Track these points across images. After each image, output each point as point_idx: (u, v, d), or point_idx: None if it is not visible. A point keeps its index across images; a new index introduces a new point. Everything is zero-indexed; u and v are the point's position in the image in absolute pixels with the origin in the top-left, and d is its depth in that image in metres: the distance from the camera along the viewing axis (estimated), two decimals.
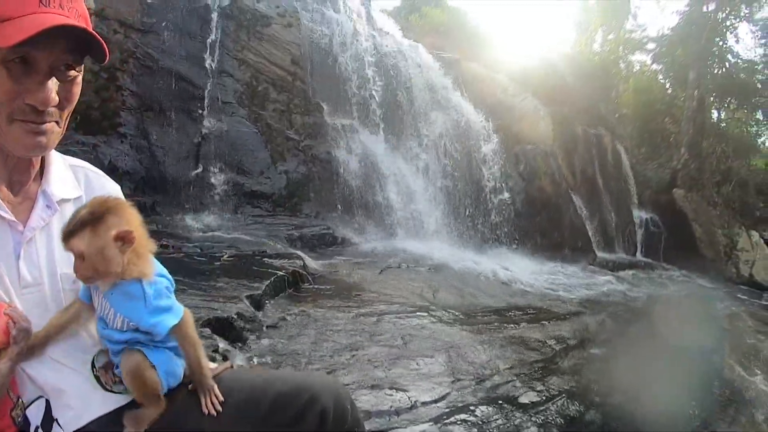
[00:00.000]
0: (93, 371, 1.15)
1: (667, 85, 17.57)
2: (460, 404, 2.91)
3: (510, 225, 9.38)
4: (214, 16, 7.70)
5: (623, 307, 6.26)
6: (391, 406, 2.75)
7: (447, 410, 2.82)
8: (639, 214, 13.53)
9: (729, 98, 16.56)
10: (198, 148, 7.07)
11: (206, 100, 7.29)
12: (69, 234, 1.05)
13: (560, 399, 3.22)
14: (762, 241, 13.24)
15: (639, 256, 12.81)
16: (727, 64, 16.21)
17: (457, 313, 4.65)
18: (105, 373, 1.14)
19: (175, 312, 1.13)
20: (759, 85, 15.64)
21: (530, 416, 2.97)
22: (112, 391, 1.15)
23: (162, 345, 1.14)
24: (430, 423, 2.65)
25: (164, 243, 5.07)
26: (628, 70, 17.97)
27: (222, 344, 2.87)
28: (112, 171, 6.03)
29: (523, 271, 7.89)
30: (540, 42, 13.32)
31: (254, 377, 1.31)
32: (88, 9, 4.34)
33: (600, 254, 11.00)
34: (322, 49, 8.50)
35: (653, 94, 16.82)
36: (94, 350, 1.18)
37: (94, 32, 1.15)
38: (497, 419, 2.84)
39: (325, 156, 7.89)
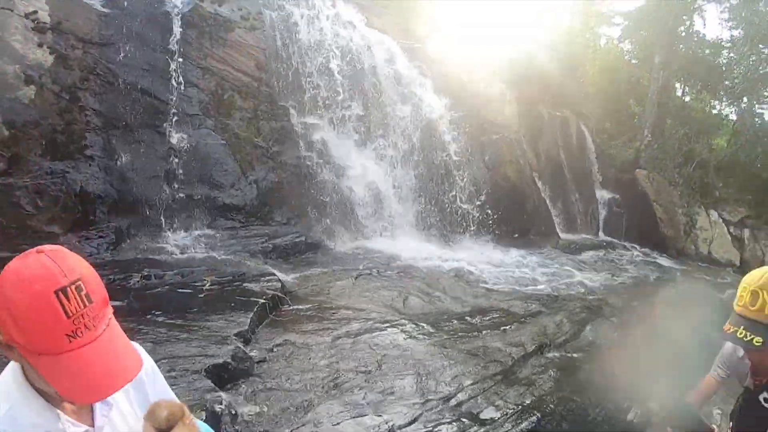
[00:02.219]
0: None
1: (633, 64, 17.99)
2: (430, 425, 3.47)
3: (475, 216, 9.86)
4: (175, 24, 7.80)
5: (581, 303, 6.84)
6: (369, 429, 3.31)
7: (423, 430, 3.39)
8: (602, 194, 14.17)
9: (693, 80, 16.94)
10: (167, 165, 7.31)
11: (172, 114, 7.49)
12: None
13: (516, 413, 3.81)
14: (721, 220, 14.01)
15: (601, 235, 13.48)
16: (692, 45, 16.69)
17: (424, 326, 5.19)
18: None
19: None
20: (724, 68, 16.07)
21: (488, 430, 3.54)
22: None
23: None
24: None
25: (145, 274, 5.52)
26: (595, 44, 18.31)
27: (224, 395, 3.40)
28: (84, 197, 6.52)
29: (487, 266, 8.47)
30: (507, 20, 13.35)
31: None
32: (44, 24, 4.81)
33: (563, 236, 11.65)
34: (287, 51, 8.70)
35: (619, 74, 17.10)
36: None
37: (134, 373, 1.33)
38: None
39: (294, 161, 8.25)
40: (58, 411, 1.35)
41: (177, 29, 7.83)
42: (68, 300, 1.21)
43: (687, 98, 17.96)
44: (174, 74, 7.69)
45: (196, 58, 7.97)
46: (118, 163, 7.13)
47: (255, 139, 8.14)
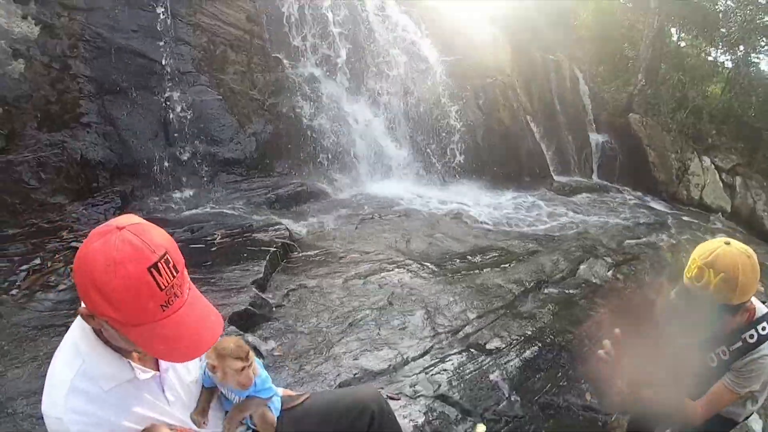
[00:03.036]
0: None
1: (628, 8, 17.75)
2: (440, 356, 3.80)
3: (470, 158, 10.07)
4: None
5: (576, 242, 7.12)
6: (389, 365, 3.64)
7: (432, 362, 3.72)
8: (595, 138, 14.32)
9: (689, 26, 16.72)
10: (165, 125, 7.44)
11: (165, 74, 7.55)
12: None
13: (519, 343, 4.16)
14: (713, 166, 14.19)
15: (595, 178, 13.70)
16: None
17: (429, 265, 5.50)
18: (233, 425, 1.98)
19: (271, 389, 1.99)
20: (721, 15, 15.87)
21: (495, 360, 3.87)
22: None
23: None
24: (420, 374, 3.53)
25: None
26: None
27: (250, 337, 3.72)
28: (85, 165, 6.73)
29: (485, 207, 8.77)
30: None
31: (323, 400, 2.19)
32: None
33: (557, 179, 11.88)
34: (277, 1, 8.73)
35: (613, 17, 16.91)
36: (220, 414, 1.95)
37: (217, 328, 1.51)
38: (469, 366, 3.74)
39: (291, 111, 8.40)
40: (128, 360, 1.54)
41: None
42: (160, 274, 1.33)
43: (682, 44, 17.82)
44: (164, 33, 7.69)
45: (185, 15, 7.98)
46: (116, 127, 7.22)
47: (250, 92, 8.27)
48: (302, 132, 8.40)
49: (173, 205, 6.90)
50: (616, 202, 11.48)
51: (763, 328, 2.00)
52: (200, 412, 1.80)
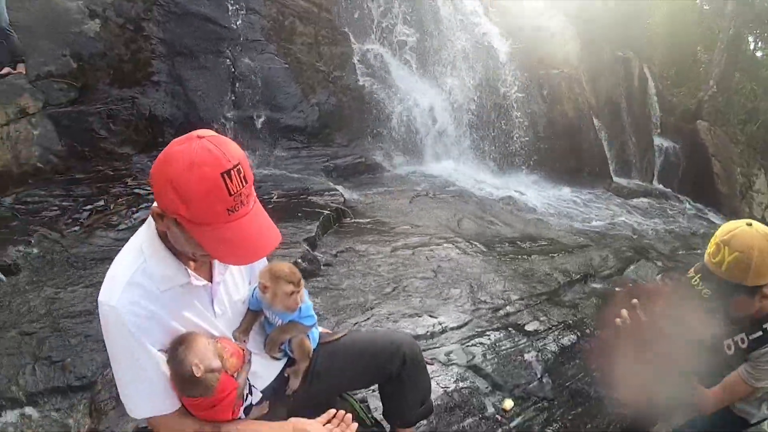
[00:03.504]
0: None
1: (705, 10, 17.07)
2: (478, 330, 3.85)
3: (530, 149, 10.04)
4: None
5: (628, 243, 7.03)
6: (427, 331, 3.71)
7: (469, 334, 3.77)
8: (660, 142, 13.91)
9: (767, 34, 16.19)
10: (232, 88, 7.68)
11: (235, 40, 7.82)
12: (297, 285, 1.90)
13: (558, 329, 4.15)
14: None
15: (655, 183, 13.33)
16: None
17: (478, 245, 5.55)
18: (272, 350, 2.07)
19: (313, 317, 2.06)
20: None
21: (532, 342, 3.89)
22: (276, 359, 2.05)
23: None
24: (456, 344, 3.60)
25: None
26: None
27: None
28: (152, 120, 7.06)
29: (539, 197, 8.77)
30: None
31: (359, 338, 2.29)
32: None
33: (617, 180, 11.68)
34: None
35: (688, 18, 16.33)
36: (260, 338, 2.04)
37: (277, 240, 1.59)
38: (506, 343, 3.78)
39: (354, 85, 8.55)
40: (186, 267, 1.64)
41: None
42: (231, 181, 1.42)
43: (759, 53, 17.14)
44: (235, 2, 7.97)
45: None
46: (184, 87, 7.52)
47: (316, 64, 8.43)
48: (364, 107, 8.52)
49: None
50: (674, 211, 11.25)
51: None
52: (243, 331, 1.89)
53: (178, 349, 1.58)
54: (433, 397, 2.80)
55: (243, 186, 1.46)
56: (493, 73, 9.86)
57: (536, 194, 8.91)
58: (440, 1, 9.70)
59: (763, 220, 12.21)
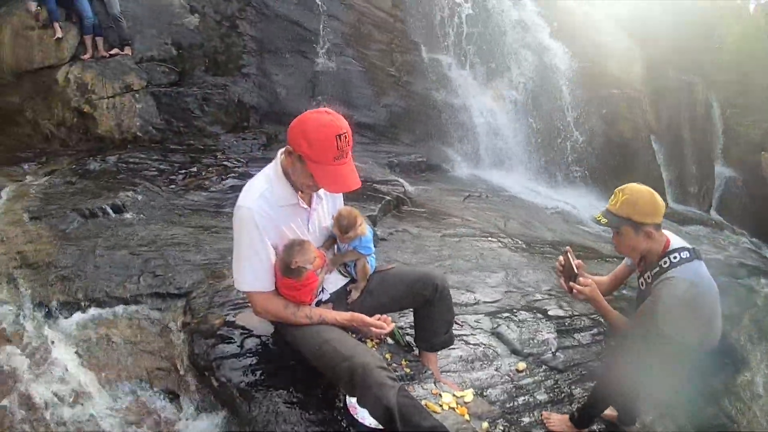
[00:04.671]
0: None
1: None
2: (507, 307, 4.25)
3: (585, 165, 10.32)
4: None
5: None
6: (462, 301, 4.19)
7: (498, 309, 4.19)
8: (721, 171, 13.53)
9: None
10: (312, 85, 8.58)
11: (317, 42, 8.76)
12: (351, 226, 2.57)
13: (578, 318, 4.39)
14: None
15: (712, 213, 12.97)
16: None
17: (520, 242, 5.94)
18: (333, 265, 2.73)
19: (370, 248, 2.70)
20: None
21: (552, 323, 4.16)
22: (343, 275, 2.75)
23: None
24: (485, 315, 4.04)
25: None
26: (741, 10, 16.90)
27: None
28: (240, 106, 8.00)
29: (588, 211, 8.92)
30: None
31: (403, 269, 2.97)
32: None
33: (672, 205, 11.63)
34: None
35: (760, 45, 15.95)
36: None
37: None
38: (529, 321, 4.10)
39: (422, 91, 9.23)
40: (297, 193, 2.41)
41: None
42: (340, 140, 2.19)
43: None
44: (320, 8, 8.94)
45: None
46: (270, 80, 8.49)
47: (388, 69, 9.24)
48: (430, 111, 9.17)
49: None
50: (727, 242, 10.99)
51: (675, 257, 2.51)
52: (325, 247, 2.63)
53: (294, 242, 2.36)
54: (457, 351, 3.40)
55: (347, 146, 2.23)
56: (554, 89, 10.22)
57: (586, 208, 9.15)
58: (508, 19, 10.20)
59: None
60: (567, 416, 2.89)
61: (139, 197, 5.23)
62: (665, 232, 2.61)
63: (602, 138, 10.70)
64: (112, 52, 7.82)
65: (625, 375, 2.65)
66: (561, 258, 2.77)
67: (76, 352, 3.12)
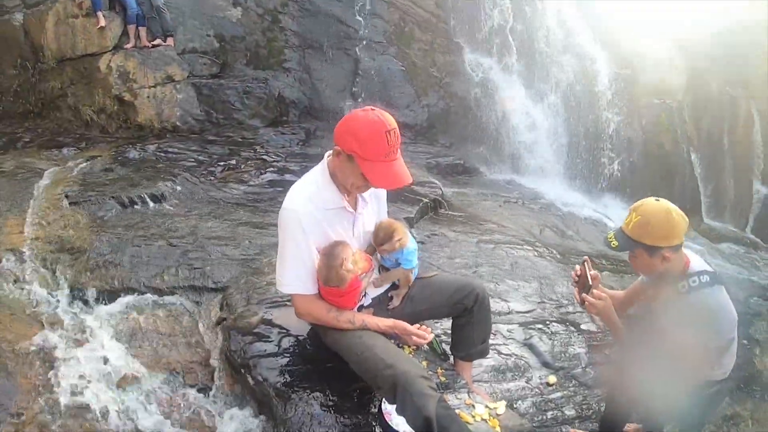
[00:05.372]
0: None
1: None
2: (540, 318, 4.23)
3: (621, 175, 10.16)
4: None
5: None
6: (495, 309, 4.10)
7: (531, 320, 4.17)
8: (759, 189, 13.00)
9: None
10: (353, 82, 8.57)
11: (360, 39, 8.77)
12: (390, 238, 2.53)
13: (609, 334, 4.44)
14: None
15: (748, 232, 12.58)
16: None
17: (555, 252, 5.83)
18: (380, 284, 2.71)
19: (411, 262, 2.66)
20: None
21: (584, 337, 4.14)
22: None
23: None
24: (518, 325, 4.01)
25: None
26: None
27: None
28: (280, 100, 8.00)
29: (623, 221, 8.82)
30: None
31: (445, 277, 2.95)
32: None
33: (707, 221, 11.47)
34: None
35: None
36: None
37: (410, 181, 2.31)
38: (561, 334, 4.08)
39: (463, 93, 9.16)
40: (343, 196, 2.40)
41: None
42: (389, 137, 2.18)
43: None
44: (362, 5, 8.98)
45: None
46: (311, 76, 8.48)
47: (430, 69, 9.16)
48: (469, 113, 9.12)
49: None
50: (762, 263, 10.61)
51: (694, 281, 2.34)
52: (368, 252, 2.60)
53: (335, 247, 2.33)
54: (490, 360, 3.37)
55: (396, 143, 2.22)
56: (594, 97, 10.06)
57: (621, 218, 8.98)
58: (551, 23, 10.08)
59: None
60: None
61: (178, 188, 5.27)
62: (686, 251, 2.45)
63: (641, 147, 10.52)
64: (155, 42, 7.90)
65: (632, 385, 2.62)
66: (578, 267, 2.66)
67: (114, 339, 3.15)
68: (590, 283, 2.56)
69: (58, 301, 3.47)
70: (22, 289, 3.52)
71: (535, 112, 9.64)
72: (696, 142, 11.81)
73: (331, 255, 2.31)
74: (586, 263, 2.64)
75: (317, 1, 8.83)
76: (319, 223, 2.34)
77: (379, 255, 2.63)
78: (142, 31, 7.90)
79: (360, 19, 8.87)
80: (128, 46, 7.84)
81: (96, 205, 4.66)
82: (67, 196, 4.78)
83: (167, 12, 7.92)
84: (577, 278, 2.66)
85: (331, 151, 2.37)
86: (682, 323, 2.34)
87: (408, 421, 2.19)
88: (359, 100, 8.39)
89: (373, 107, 2.27)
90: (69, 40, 7.88)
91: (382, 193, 2.68)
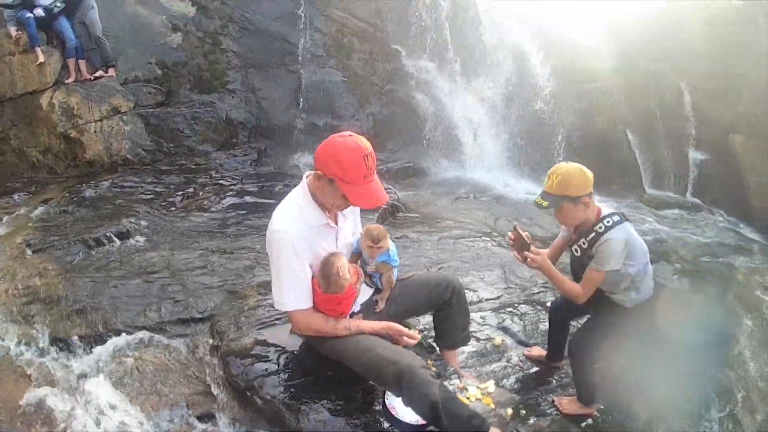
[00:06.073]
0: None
1: (742, 23, 16.71)
2: (508, 302, 4.43)
3: (564, 159, 10.23)
4: None
5: (650, 247, 7.18)
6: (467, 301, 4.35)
7: (500, 305, 4.36)
8: (694, 155, 13.71)
9: None
10: (297, 98, 8.67)
11: (300, 55, 8.88)
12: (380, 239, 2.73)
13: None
14: None
15: (688, 196, 13.24)
16: None
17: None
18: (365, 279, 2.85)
19: (396, 260, 2.86)
20: None
21: None
22: (370, 286, 2.90)
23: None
24: (490, 311, 4.20)
25: (287, 183, 6.78)
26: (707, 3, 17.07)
27: None
28: (229, 123, 8.07)
29: None
30: None
31: (423, 275, 3.14)
32: None
33: (649, 191, 11.98)
34: (398, 0, 9.72)
35: (724, 30, 16.19)
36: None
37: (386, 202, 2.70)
38: (530, 314, 4.27)
39: (405, 98, 9.35)
40: (325, 213, 2.59)
41: None
42: (367, 161, 2.40)
43: None
44: (301, 21, 9.02)
45: (320, 7, 9.29)
46: (256, 95, 8.56)
47: (371, 78, 9.35)
48: (413, 117, 9.32)
49: (299, 164, 8.01)
50: (705, 223, 11.37)
51: (608, 221, 2.78)
52: (351, 262, 2.76)
53: (330, 259, 2.53)
54: (471, 348, 3.54)
55: (373, 165, 2.45)
56: (531, 88, 10.39)
57: None
58: (484, 19, 10.35)
59: None
60: (575, 397, 3.14)
61: (142, 222, 5.30)
62: (596, 202, 2.87)
63: (580, 132, 10.93)
64: (97, 74, 7.79)
65: (591, 344, 2.99)
66: (511, 234, 2.99)
67: (110, 384, 3.15)
68: (528, 242, 2.91)
69: (42, 354, 3.43)
70: (0, 346, 3.48)
71: (476, 109, 9.90)
72: (630, 119, 12.28)
73: (328, 265, 2.51)
74: (517, 228, 2.97)
75: (256, 20, 8.90)
76: (306, 240, 2.52)
77: (359, 263, 2.83)
78: (82, 63, 7.74)
79: (299, 34, 8.95)
80: (69, 80, 7.64)
81: (61, 250, 4.62)
82: (29, 245, 4.72)
83: (106, 42, 7.78)
84: (512, 242, 2.99)
85: (309, 173, 2.58)
86: (608, 254, 2.74)
87: (415, 410, 2.41)
88: (303, 116, 8.56)
89: (350, 133, 2.48)
90: (7, 79, 7.60)
91: (357, 208, 2.85)
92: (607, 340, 3.06)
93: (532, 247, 2.91)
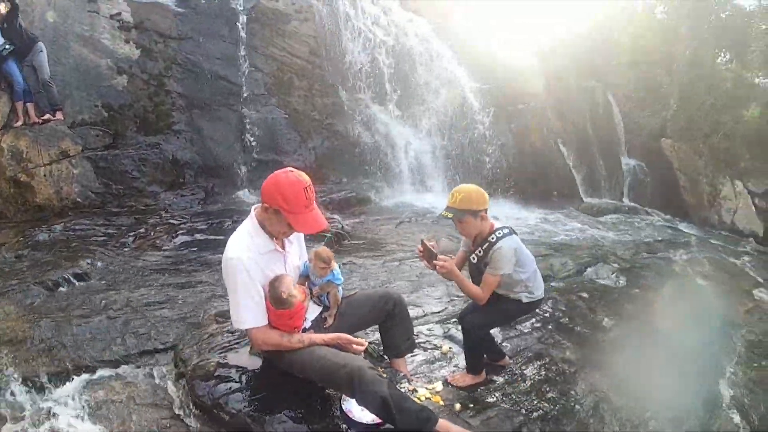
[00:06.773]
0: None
1: (665, 33, 17.40)
2: (453, 314, 4.68)
3: (501, 177, 11.04)
4: (240, 19, 9.48)
5: (589, 251, 7.72)
6: (413, 315, 4.43)
7: (445, 316, 4.68)
8: (627, 162, 14.78)
9: (724, 50, 16.52)
10: (241, 136, 8.98)
11: (242, 94, 9.20)
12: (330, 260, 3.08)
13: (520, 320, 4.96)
14: (746, 191, 14.23)
15: (625, 201, 14.13)
16: (725, 13, 16.39)
17: (452, 257, 6.38)
18: (314, 296, 3.15)
19: (341, 279, 3.19)
20: (756, 38, 15.31)
21: None
22: (318, 304, 3.21)
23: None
24: (436, 323, 4.52)
25: (235, 219, 6.97)
26: (631, 12, 17.52)
27: None
28: (175, 163, 8.30)
29: (512, 219, 9.73)
30: None
31: (366, 292, 3.48)
32: (128, 23, 6.86)
33: (587, 200, 12.60)
34: (334, 37, 10.19)
35: (648, 41, 16.55)
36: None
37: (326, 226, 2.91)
38: None
39: (345, 131, 9.82)
40: (273, 240, 2.88)
41: (242, 23, 9.49)
42: (307, 192, 2.71)
43: (717, 69, 17.06)
44: (242, 61, 9.37)
45: (260, 47, 9.64)
46: (201, 135, 8.79)
47: (311, 113, 9.76)
48: (354, 148, 9.79)
49: (246, 200, 8.26)
50: (642, 223, 11.91)
51: (499, 233, 3.28)
52: (299, 284, 3.07)
53: (277, 280, 2.84)
54: (420, 357, 3.86)
55: (312, 195, 2.76)
56: (465, 113, 10.93)
57: (508, 216, 9.84)
58: (416, 52, 10.89)
59: (732, 225, 13.32)
60: (465, 371, 3.60)
61: (99, 263, 5.50)
62: (490, 219, 3.37)
63: (514, 150, 11.49)
64: (44, 117, 7.83)
65: (484, 323, 3.51)
66: (419, 246, 3.37)
67: (84, 417, 3.30)
68: (436, 252, 3.31)
69: (12, 393, 3.47)
70: None
71: (412, 136, 10.41)
72: (564, 134, 12.98)
73: (276, 284, 2.81)
74: (424, 240, 3.37)
75: (199, 61, 9.16)
76: (258, 265, 2.80)
77: (307, 284, 3.14)
78: (31, 107, 7.76)
79: (241, 74, 9.27)
80: (17, 124, 7.68)
81: (21, 293, 4.68)
82: None
83: (53, 85, 7.85)
84: (421, 253, 3.37)
85: (257, 206, 2.88)
86: (500, 259, 3.22)
87: (369, 408, 2.70)
88: (248, 153, 8.87)
89: (291, 169, 2.81)
90: None
91: (301, 235, 3.18)
92: (497, 321, 3.73)
93: (440, 256, 3.29)
